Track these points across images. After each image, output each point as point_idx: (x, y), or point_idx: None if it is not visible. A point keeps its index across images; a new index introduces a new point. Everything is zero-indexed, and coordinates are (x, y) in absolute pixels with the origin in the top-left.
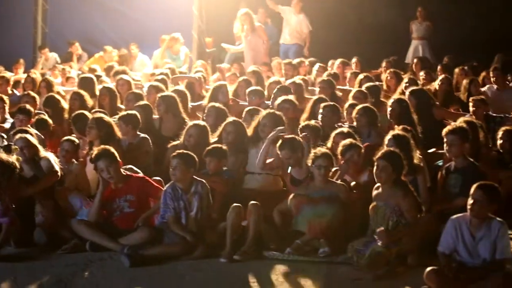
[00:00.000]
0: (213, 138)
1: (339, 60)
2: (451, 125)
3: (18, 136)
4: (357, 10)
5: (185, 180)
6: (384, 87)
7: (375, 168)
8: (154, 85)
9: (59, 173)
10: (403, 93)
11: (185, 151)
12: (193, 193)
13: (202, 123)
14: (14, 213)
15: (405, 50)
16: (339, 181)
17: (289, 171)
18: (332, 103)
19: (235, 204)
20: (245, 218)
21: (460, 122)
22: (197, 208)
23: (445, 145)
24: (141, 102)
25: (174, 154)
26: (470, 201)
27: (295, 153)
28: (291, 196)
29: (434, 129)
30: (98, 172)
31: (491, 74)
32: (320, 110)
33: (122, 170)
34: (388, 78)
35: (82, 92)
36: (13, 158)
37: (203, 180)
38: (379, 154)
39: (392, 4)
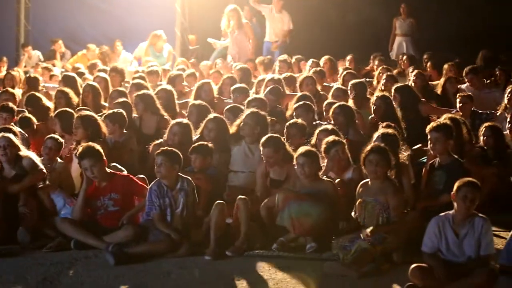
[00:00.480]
0: (195, 135)
1: (325, 57)
2: (435, 122)
3: (0, 135)
4: (340, 7)
5: (171, 177)
6: (375, 83)
7: (368, 163)
8: (135, 83)
9: (44, 171)
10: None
11: (169, 148)
12: (179, 190)
13: (185, 121)
14: None
15: (387, 46)
16: (325, 178)
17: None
18: (305, 101)
19: (218, 201)
20: (229, 215)
21: (444, 118)
22: (183, 205)
23: (429, 142)
24: (120, 100)
25: (158, 151)
26: (459, 198)
27: (277, 153)
28: (279, 190)
29: (419, 125)
30: (82, 170)
31: (465, 79)
32: (294, 113)
33: (106, 169)
34: (380, 74)
35: (67, 90)
36: None
37: (188, 177)
38: (371, 149)
39: (375, 1)
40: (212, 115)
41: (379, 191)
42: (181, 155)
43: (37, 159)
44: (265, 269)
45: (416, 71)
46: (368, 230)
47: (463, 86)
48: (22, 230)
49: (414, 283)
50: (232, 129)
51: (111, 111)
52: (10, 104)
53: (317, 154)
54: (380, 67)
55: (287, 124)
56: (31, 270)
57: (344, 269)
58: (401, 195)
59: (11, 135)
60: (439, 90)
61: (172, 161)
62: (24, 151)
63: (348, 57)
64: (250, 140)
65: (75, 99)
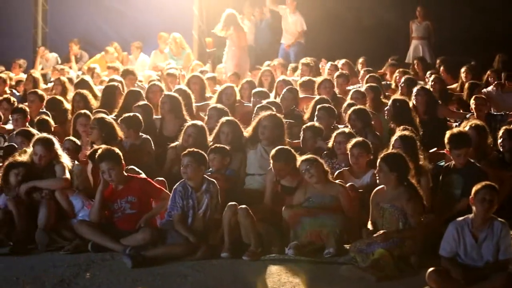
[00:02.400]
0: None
1: (343, 60)
2: (457, 132)
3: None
4: (356, 10)
5: (196, 179)
6: (393, 86)
7: (377, 169)
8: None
9: (68, 180)
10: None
11: (196, 150)
12: (204, 191)
13: (199, 123)
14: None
15: (404, 50)
16: (338, 181)
17: None
18: (327, 105)
19: (230, 203)
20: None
21: (467, 126)
22: (206, 206)
23: (451, 152)
24: (141, 102)
25: (185, 152)
26: (477, 202)
27: (288, 165)
28: (285, 206)
29: (435, 127)
30: (99, 172)
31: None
32: (316, 112)
33: (124, 172)
34: (397, 77)
35: (86, 92)
36: (26, 157)
37: (213, 180)
38: (381, 156)
39: (391, 4)
40: (225, 118)
41: (395, 197)
42: (206, 157)
43: (67, 168)
44: (282, 273)
45: (434, 75)
46: (380, 232)
47: (489, 88)
48: (40, 231)
49: (431, 287)
50: (248, 133)
51: (126, 115)
52: (22, 105)
53: (317, 158)
54: (397, 70)
55: (304, 126)
56: (48, 272)
57: (362, 273)
58: (416, 201)
59: (49, 141)
60: (464, 95)
61: (199, 162)
62: (63, 157)
63: (360, 60)
64: (267, 142)
65: (93, 102)
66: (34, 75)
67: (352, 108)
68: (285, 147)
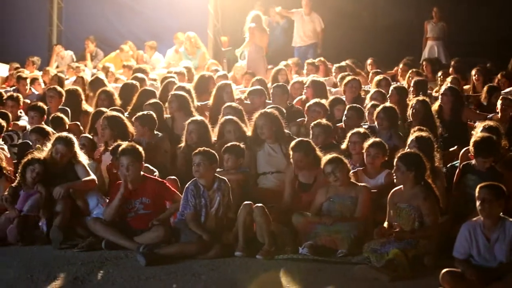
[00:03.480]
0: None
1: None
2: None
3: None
4: (371, 10)
5: (208, 177)
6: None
7: (394, 169)
8: (166, 83)
9: (96, 180)
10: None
11: (207, 149)
12: (216, 189)
13: (199, 118)
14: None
15: (419, 50)
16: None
17: None
18: (357, 106)
19: (245, 202)
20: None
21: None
22: (218, 204)
23: (476, 158)
24: (152, 101)
25: (196, 151)
26: (477, 202)
27: (307, 157)
28: (295, 213)
29: (456, 129)
30: (117, 167)
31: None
32: (345, 112)
33: (141, 172)
34: (410, 78)
35: (111, 90)
36: (43, 154)
37: (224, 178)
38: (398, 155)
39: (406, 4)
40: (227, 117)
41: (412, 197)
42: (217, 156)
43: (88, 167)
44: (295, 272)
45: (451, 76)
46: (395, 231)
47: (508, 89)
48: (55, 229)
49: None
50: (250, 133)
51: (141, 113)
52: (40, 104)
53: (342, 158)
54: (410, 71)
55: (312, 124)
56: (62, 269)
57: (375, 273)
58: (432, 201)
59: (70, 141)
60: (482, 97)
61: (211, 161)
62: (81, 155)
63: (369, 61)
64: (271, 140)
65: (118, 100)
66: (59, 75)
67: (381, 106)
68: (305, 139)
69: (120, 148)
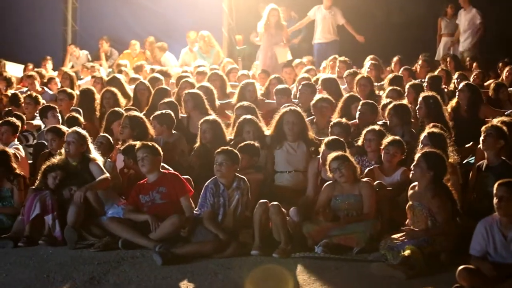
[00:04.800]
0: (230, 136)
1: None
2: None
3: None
4: (384, 7)
5: (229, 177)
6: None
7: (414, 164)
8: (183, 82)
9: (109, 178)
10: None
11: (229, 148)
12: (235, 188)
13: (211, 117)
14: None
15: (433, 47)
16: (366, 179)
17: None
18: (371, 101)
19: (261, 201)
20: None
21: (498, 121)
22: (237, 203)
23: (481, 141)
24: (166, 100)
25: (219, 150)
26: (495, 200)
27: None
28: (306, 223)
29: (472, 126)
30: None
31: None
32: (359, 107)
33: (159, 167)
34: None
35: (115, 90)
36: (59, 159)
37: (244, 177)
38: (422, 152)
39: (420, 1)
40: (246, 117)
41: (423, 195)
42: (239, 155)
43: (102, 165)
44: (312, 270)
45: (477, 71)
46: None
47: None
48: (69, 229)
49: (461, 285)
50: (270, 130)
51: (159, 112)
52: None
53: (348, 156)
54: (439, 69)
55: (331, 123)
56: (79, 269)
57: (391, 271)
58: (443, 198)
59: (81, 133)
60: (490, 93)
61: (233, 161)
62: (93, 152)
63: (395, 59)
64: (292, 138)
65: (122, 100)
66: (70, 73)
67: (392, 103)
68: (340, 138)
69: (137, 145)
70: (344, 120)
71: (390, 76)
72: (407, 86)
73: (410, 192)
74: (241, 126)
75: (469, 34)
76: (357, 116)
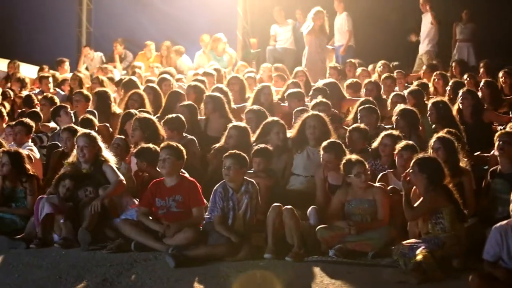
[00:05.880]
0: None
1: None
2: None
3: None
4: (399, 12)
5: (238, 180)
6: (431, 89)
7: (410, 170)
8: (192, 86)
9: (124, 182)
10: (450, 95)
11: (238, 152)
12: (244, 192)
13: (242, 124)
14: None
15: (448, 52)
16: (379, 184)
17: None
18: (368, 104)
19: (275, 204)
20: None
21: (508, 128)
22: (246, 206)
23: (496, 146)
24: (186, 102)
25: (227, 154)
26: (511, 206)
27: (338, 159)
28: (321, 227)
29: (479, 131)
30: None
31: None
32: (358, 112)
33: (179, 171)
34: (436, 80)
35: (142, 93)
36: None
37: (252, 180)
38: (414, 158)
39: (435, 5)
40: (274, 119)
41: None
42: (247, 159)
43: (116, 167)
44: (325, 274)
45: (485, 79)
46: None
47: None
48: (83, 230)
49: None
50: (293, 132)
51: (169, 116)
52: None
53: (363, 161)
54: (435, 73)
55: (350, 128)
56: (91, 271)
57: (404, 276)
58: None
59: (92, 135)
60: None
61: (241, 165)
62: (105, 153)
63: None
64: (314, 143)
65: (148, 103)
66: (79, 75)
67: (399, 108)
68: (337, 140)
69: (162, 145)
70: (362, 125)
71: (454, 80)
72: (405, 92)
73: (412, 196)
74: (268, 127)
75: (424, 38)
76: (358, 119)
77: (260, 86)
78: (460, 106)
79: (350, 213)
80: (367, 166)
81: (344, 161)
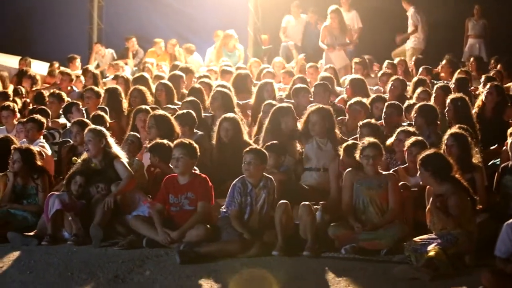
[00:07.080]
0: (253, 133)
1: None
2: None
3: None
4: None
5: (257, 176)
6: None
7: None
8: (201, 82)
9: (134, 178)
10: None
11: (258, 147)
12: (262, 187)
13: (231, 115)
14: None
15: (460, 48)
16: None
17: None
18: (396, 102)
19: (281, 201)
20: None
21: None
22: (263, 202)
23: (509, 144)
24: (189, 98)
25: (247, 149)
26: None
27: (355, 161)
28: (332, 226)
29: (496, 127)
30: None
31: None
32: (384, 109)
33: (192, 169)
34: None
35: (143, 88)
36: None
37: (271, 177)
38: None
39: (446, 2)
40: (282, 105)
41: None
42: (267, 155)
43: (126, 160)
44: (337, 270)
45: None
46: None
47: None
48: (95, 227)
49: (485, 287)
50: (300, 126)
51: (180, 112)
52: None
53: (380, 146)
54: (458, 71)
55: (360, 123)
56: (103, 267)
57: (416, 272)
58: (461, 195)
59: (96, 130)
60: None
61: (261, 160)
62: (115, 148)
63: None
64: (320, 136)
65: (150, 98)
66: (94, 72)
67: (418, 104)
68: (355, 141)
69: (175, 142)
70: (373, 120)
71: (457, 77)
72: (435, 87)
73: (426, 194)
74: (276, 116)
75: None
76: (383, 117)
77: (262, 83)
78: (484, 100)
79: (358, 195)
80: (383, 152)
81: (360, 143)
